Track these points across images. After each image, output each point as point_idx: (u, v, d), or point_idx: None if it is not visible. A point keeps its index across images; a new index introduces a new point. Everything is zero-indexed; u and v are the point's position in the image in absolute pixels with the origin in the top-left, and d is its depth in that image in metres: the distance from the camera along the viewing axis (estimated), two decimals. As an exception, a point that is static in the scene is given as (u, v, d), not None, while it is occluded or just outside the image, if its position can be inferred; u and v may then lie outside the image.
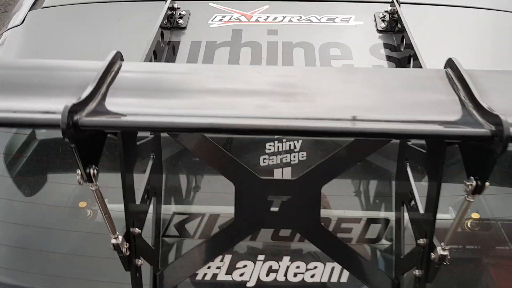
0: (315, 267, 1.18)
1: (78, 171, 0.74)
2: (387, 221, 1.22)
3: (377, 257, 1.23)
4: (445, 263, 0.87)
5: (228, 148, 1.22)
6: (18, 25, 1.52)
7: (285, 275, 1.17)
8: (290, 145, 1.25)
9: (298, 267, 1.18)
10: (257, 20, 1.50)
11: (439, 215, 0.87)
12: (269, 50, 1.38)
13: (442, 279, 1.11)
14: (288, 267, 1.18)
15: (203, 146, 1.04)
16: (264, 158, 1.25)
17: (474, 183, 0.73)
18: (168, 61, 1.37)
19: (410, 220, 1.07)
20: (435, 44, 1.40)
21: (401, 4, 1.42)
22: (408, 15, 1.37)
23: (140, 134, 0.99)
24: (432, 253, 0.88)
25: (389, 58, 1.37)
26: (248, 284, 1.17)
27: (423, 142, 0.95)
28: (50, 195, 1.31)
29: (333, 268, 1.17)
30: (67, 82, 0.82)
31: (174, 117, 0.74)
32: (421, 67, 1.13)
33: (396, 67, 1.34)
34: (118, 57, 0.86)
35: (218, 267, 1.18)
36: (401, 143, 1.10)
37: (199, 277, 1.17)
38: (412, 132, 0.72)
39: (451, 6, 1.54)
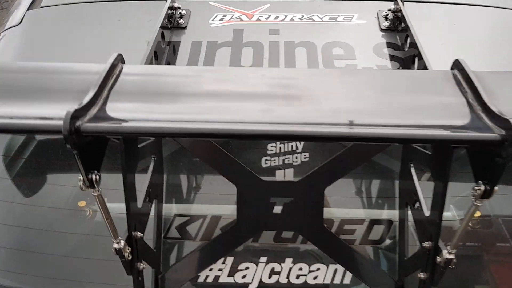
0: (318, 269, 1.17)
1: (80, 177, 0.73)
2: (390, 222, 1.21)
3: (380, 259, 1.22)
4: (451, 267, 0.86)
5: (229, 149, 1.21)
6: (16, 25, 1.50)
7: (288, 277, 1.17)
8: (292, 146, 1.24)
9: (300, 269, 1.18)
10: (258, 19, 1.48)
11: None
12: (271, 50, 1.36)
13: (443, 276, 1.11)
14: (290, 269, 1.17)
15: (204, 147, 1.03)
16: (266, 159, 1.24)
17: (482, 187, 0.71)
18: (169, 62, 1.36)
19: (414, 222, 1.06)
20: (440, 43, 1.38)
21: (404, 2, 1.40)
22: (411, 13, 1.35)
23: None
24: (437, 257, 0.87)
25: (393, 57, 1.35)
26: (250, 286, 1.16)
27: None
28: (50, 195, 1.30)
29: (336, 270, 1.17)
30: (68, 86, 0.81)
31: (178, 123, 0.72)
32: (426, 66, 1.11)
33: (400, 66, 1.32)
34: (119, 59, 0.85)
35: (220, 269, 1.17)
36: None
37: (201, 279, 1.17)
38: (420, 137, 0.71)
39: (456, 4, 1.53)
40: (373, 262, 1.18)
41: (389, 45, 1.39)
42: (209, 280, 1.17)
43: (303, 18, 1.48)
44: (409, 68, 1.27)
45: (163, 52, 1.35)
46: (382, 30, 1.44)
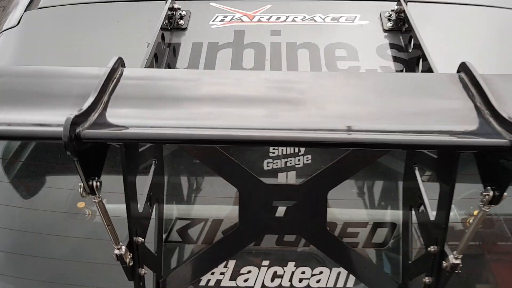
0: (321, 272, 1.16)
1: (80, 184, 0.72)
2: (394, 225, 1.20)
3: (383, 262, 1.21)
4: (457, 272, 0.85)
5: (231, 152, 1.20)
6: (13, 27, 1.48)
7: (290, 280, 1.16)
8: (294, 148, 1.23)
9: (303, 272, 1.17)
10: (259, 20, 1.47)
11: None
12: (272, 52, 1.35)
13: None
14: (293, 272, 1.17)
15: (206, 150, 1.02)
16: (268, 162, 1.22)
17: (491, 193, 0.70)
18: (169, 64, 1.34)
19: (419, 225, 1.05)
20: (444, 43, 1.37)
21: (408, 3, 1.39)
22: (414, 13, 1.34)
23: None
24: (443, 261, 0.86)
25: (396, 59, 1.34)
26: None
27: None
28: (48, 197, 1.29)
29: (339, 273, 1.16)
30: (67, 90, 0.79)
31: (180, 129, 0.71)
32: (430, 68, 1.10)
33: (404, 68, 1.31)
34: (119, 63, 0.83)
35: (222, 273, 1.16)
36: None
37: (202, 283, 1.16)
38: (427, 143, 0.69)
39: (460, 4, 1.51)
40: (376, 265, 1.17)
41: (393, 46, 1.38)
42: (211, 284, 1.16)
43: (305, 19, 1.47)
44: (413, 69, 1.26)
45: (163, 54, 1.34)
46: (385, 31, 1.42)
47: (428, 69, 1.12)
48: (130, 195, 0.86)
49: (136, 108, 0.78)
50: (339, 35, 1.41)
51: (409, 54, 1.31)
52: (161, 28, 1.28)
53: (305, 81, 0.86)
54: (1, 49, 1.45)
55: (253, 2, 1.52)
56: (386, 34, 1.42)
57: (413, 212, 1.09)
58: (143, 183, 1.01)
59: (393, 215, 1.22)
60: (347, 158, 0.97)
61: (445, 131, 0.72)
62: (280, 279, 1.16)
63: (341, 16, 1.47)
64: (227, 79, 0.88)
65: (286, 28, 1.44)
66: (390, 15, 1.43)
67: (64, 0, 1.58)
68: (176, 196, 1.25)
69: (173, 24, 1.44)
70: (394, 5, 1.42)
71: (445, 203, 0.85)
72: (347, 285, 1.15)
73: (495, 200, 0.70)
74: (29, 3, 1.57)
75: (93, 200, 0.75)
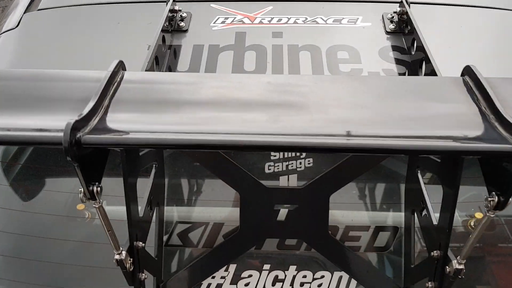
0: (322, 276, 1.16)
1: (81, 189, 0.71)
2: (396, 228, 1.19)
3: (385, 266, 1.20)
4: (460, 277, 0.84)
5: (232, 155, 1.19)
6: (13, 28, 1.48)
7: (292, 284, 1.15)
8: (296, 151, 1.22)
9: (304, 276, 1.16)
10: (261, 22, 1.46)
11: None
12: (274, 54, 1.34)
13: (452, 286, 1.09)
14: (294, 276, 1.16)
15: (207, 154, 1.01)
16: (269, 165, 1.22)
17: (496, 199, 0.69)
18: (170, 66, 1.33)
19: (421, 229, 1.04)
20: (447, 46, 1.36)
21: (410, 4, 1.38)
22: (417, 15, 1.33)
23: None
24: (447, 266, 0.85)
25: (399, 61, 1.33)
26: None
27: None
28: (48, 200, 1.28)
29: (340, 277, 1.15)
30: (67, 94, 0.78)
31: (181, 134, 0.70)
32: (433, 70, 1.09)
33: (407, 70, 1.30)
34: (120, 66, 0.82)
35: (223, 277, 1.16)
36: None
37: (203, 287, 1.14)
38: (431, 148, 0.69)
39: (463, 6, 1.50)
40: (378, 270, 1.17)
41: (395, 48, 1.37)
42: None
43: (307, 21, 1.46)
44: (416, 71, 1.25)
45: (164, 56, 1.33)
46: (387, 33, 1.41)
47: (431, 71, 1.11)
48: (130, 200, 0.86)
49: (137, 113, 0.77)
50: (341, 37, 1.40)
51: (412, 57, 1.31)
52: (162, 30, 1.28)
53: (307, 85, 0.85)
54: (0, 51, 1.44)
55: (255, 3, 1.52)
56: (389, 36, 1.41)
57: (416, 215, 1.08)
58: (144, 186, 1.01)
59: (395, 218, 1.21)
60: (349, 162, 0.96)
61: (449, 136, 0.71)
62: (281, 283, 1.15)
63: (343, 18, 1.46)
64: (228, 83, 0.87)
65: (288, 30, 1.43)
66: (393, 17, 1.43)
67: (64, 2, 1.57)
68: (177, 199, 1.24)
69: (174, 26, 1.43)
70: (396, 7, 1.41)
71: (448, 208, 0.84)
72: None
73: (500, 206, 0.70)
74: (29, 5, 1.56)
75: (94, 205, 0.74)
